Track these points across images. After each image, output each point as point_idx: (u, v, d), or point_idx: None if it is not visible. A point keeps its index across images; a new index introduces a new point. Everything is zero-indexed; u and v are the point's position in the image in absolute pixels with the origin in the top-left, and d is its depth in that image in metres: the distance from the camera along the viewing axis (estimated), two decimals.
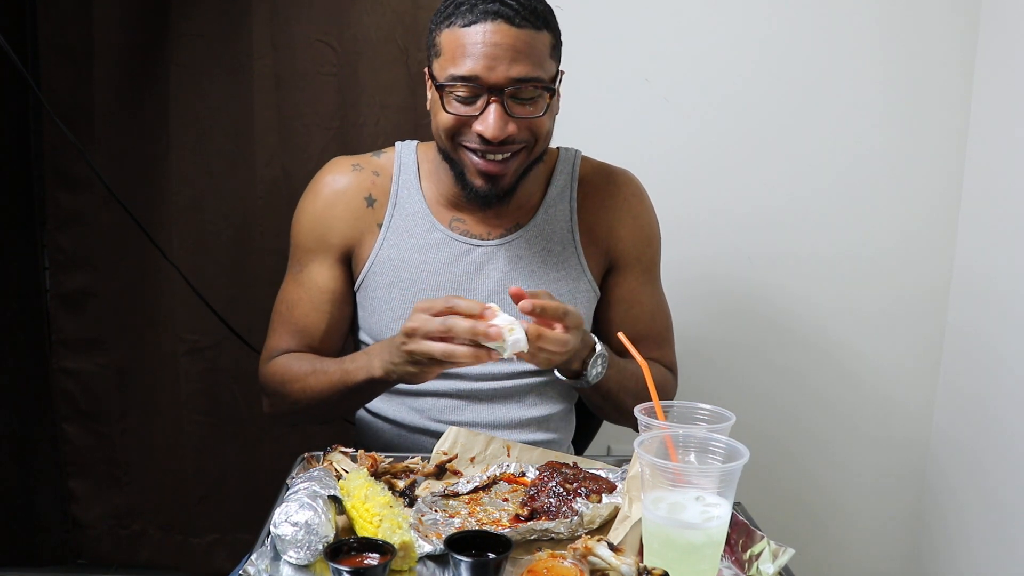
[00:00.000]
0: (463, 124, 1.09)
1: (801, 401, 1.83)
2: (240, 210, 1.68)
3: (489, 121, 1.06)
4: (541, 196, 1.23)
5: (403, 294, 1.19)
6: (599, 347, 1.12)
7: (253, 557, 0.82)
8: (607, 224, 1.25)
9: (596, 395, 1.17)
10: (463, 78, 1.05)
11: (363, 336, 1.25)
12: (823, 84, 1.71)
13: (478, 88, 1.06)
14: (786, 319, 1.79)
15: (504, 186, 1.13)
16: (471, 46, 1.04)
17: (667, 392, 1.27)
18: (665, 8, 1.68)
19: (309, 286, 1.22)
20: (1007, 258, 1.60)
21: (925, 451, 1.85)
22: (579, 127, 1.69)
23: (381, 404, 1.24)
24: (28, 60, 1.66)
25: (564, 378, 1.15)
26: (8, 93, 1.68)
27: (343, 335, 1.26)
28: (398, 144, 1.26)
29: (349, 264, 1.23)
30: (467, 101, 1.07)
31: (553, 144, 1.31)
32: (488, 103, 1.06)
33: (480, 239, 1.20)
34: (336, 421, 1.66)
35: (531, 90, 1.07)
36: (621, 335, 1.04)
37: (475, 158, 1.10)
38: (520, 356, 1.00)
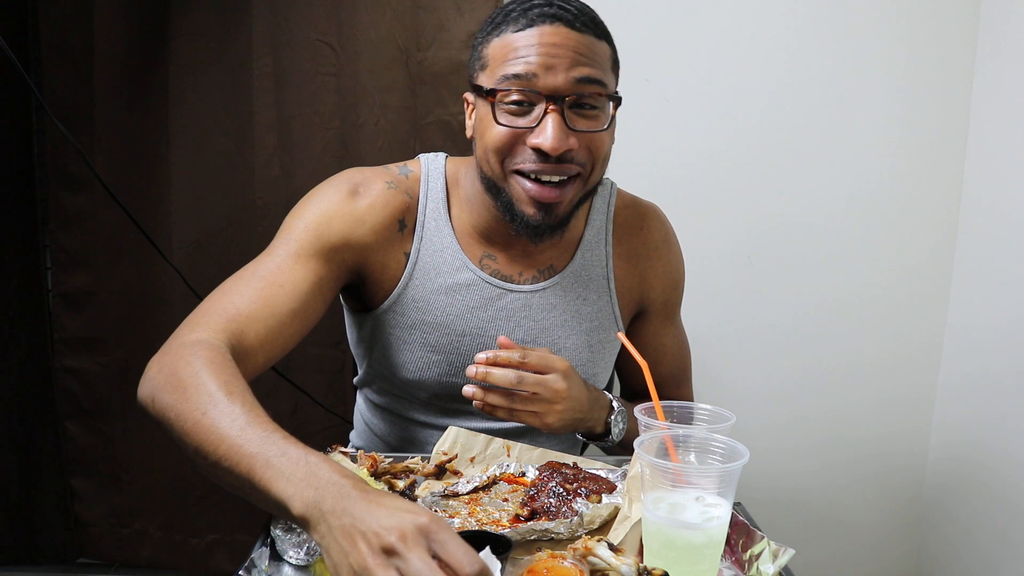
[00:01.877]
0: (516, 141, 0.98)
1: (801, 401, 1.83)
2: (240, 210, 1.68)
3: (548, 133, 0.95)
4: (578, 236, 1.16)
5: (424, 337, 1.10)
6: (616, 404, 1.11)
7: (253, 557, 0.82)
8: (640, 273, 1.20)
9: (618, 448, 1.16)
10: (517, 76, 0.95)
11: (372, 361, 1.17)
12: (824, 83, 1.71)
13: (534, 94, 0.96)
14: (787, 320, 1.79)
15: (559, 215, 1.02)
16: (525, 48, 0.95)
17: None
18: (666, 8, 1.68)
19: (277, 273, 0.99)
20: (1007, 243, 1.61)
21: (925, 451, 1.85)
22: None
23: (381, 425, 1.22)
24: (30, 61, 1.66)
25: (587, 440, 1.15)
26: (10, 94, 1.68)
27: (279, 343, 0.97)
28: (424, 160, 1.14)
29: (349, 283, 1.10)
30: (521, 111, 0.97)
31: None
32: (545, 113, 0.95)
33: (512, 282, 1.12)
34: (336, 423, 1.66)
35: (595, 97, 0.97)
36: (621, 335, 1.04)
37: (527, 184, 0.99)
38: (528, 421, 1.01)
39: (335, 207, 1.05)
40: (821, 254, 1.77)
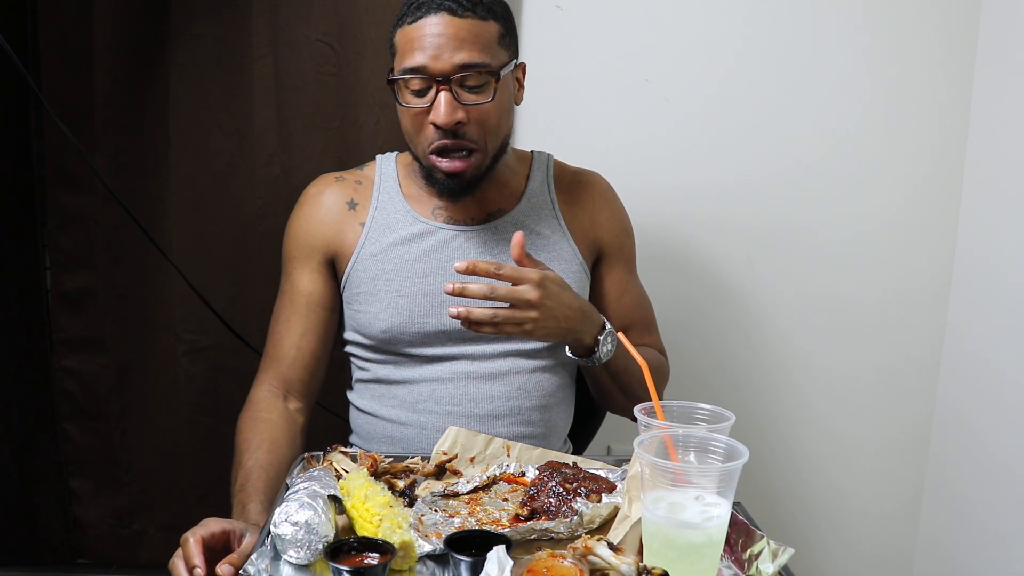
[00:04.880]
0: (421, 122, 1.13)
1: (801, 400, 1.83)
2: (240, 210, 1.68)
3: (440, 110, 1.10)
4: (522, 188, 1.27)
5: (388, 284, 1.21)
6: (608, 325, 1.16)
7: (253, 557, 0.82)
8: (588, 216, 1.29)
9: (606, 375, 1.20)
10: (412, 69, 1.11)
11: (350, 335, 1.27)
12: (825, 83, 1.71)
13: (427, 79, 1.10)
14: (786, 319, 1.80)
15: (468, 179, 1.17)
16: (418, 39, 1.10)
17: (664, 373, 1.33)
18: (665, 8, 1.68)
19: (291, 292, 1.26)
20: (1009, 255, 1.60)
21: (925, 451, 1.85)
22: (579, 127, 1.70)
23: (372, 403, 1.25)
24: (29, 61, 1.66)
25: (575, 357, 1.18)
26: (9, 93, 1.68)
27: (321, 347, 1.26)
28: (379, 156, 1.32)
29: (333, 272, 1.26)
30: (419, 94, 1.13)
31: (546, 147, 1.32)
32: (438, 92, 1.10)
33: (464, 224, 1.23)
34: (337, 422, 1.66)
35: (477, 76, 1.11)
36: (621, 335, 1.07)
37: (436, 160, 1.15)
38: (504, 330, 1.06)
39: (292, 224, 1.28)
40: (822, 254, 1.77)
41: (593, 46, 1.68)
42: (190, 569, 0.90)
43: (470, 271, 1.03)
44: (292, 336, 1.24)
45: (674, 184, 1.73)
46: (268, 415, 1.20)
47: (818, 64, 1.70)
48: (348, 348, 1.30)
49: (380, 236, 1.23)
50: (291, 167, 1.66)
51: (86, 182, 1.68)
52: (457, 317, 1.05)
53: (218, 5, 1.61)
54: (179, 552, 0.93)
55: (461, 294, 1.04)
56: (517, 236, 1.08)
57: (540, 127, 1.69)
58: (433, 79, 1.10)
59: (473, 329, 1.06)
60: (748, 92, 1.71)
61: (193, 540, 0.92)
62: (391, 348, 1.22)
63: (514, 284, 1.05)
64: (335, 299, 1.27)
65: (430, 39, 1.09)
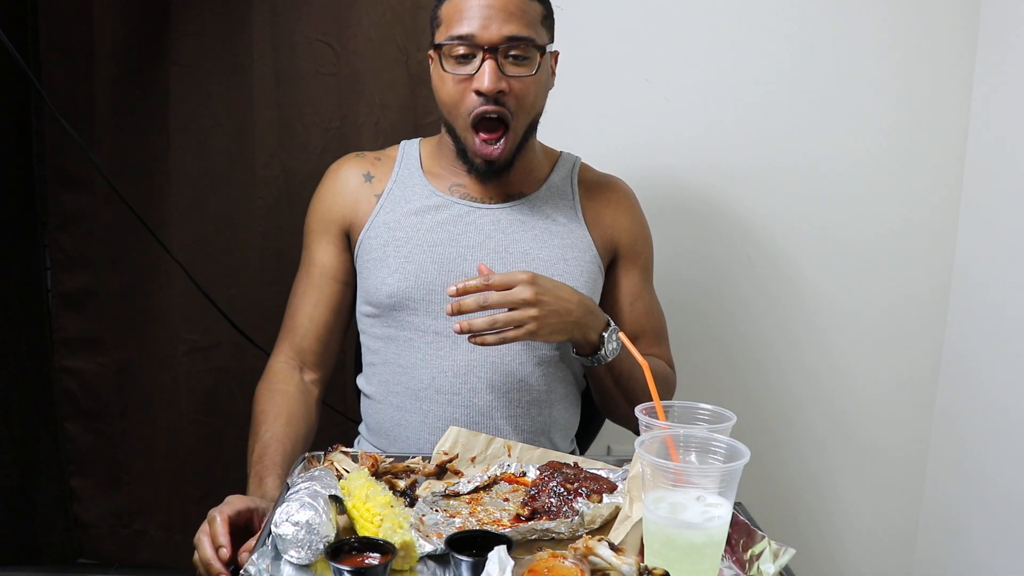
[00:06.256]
0: (464, 89, 1.15)
1: (802, 401, 1.83)
2: (240, 210, 1.68)
3: (485, 77, 1.12)
4: (545, 175, 1.29)
5: (397, 251, 1.22)
6: (612, 322, 1.17)
7: (254, 557, 0.82)
8: (609, 216, 1.30)
9: (610, 377, 1.19)
10: (460, 37, 1.13)
11: (361, 307, 1.28)
12: (825, 84, 1.71)
13: (474, 46, 1.13)
14: (787, 319, 1.80)
15: (502, 161, 1.19)
16: (468, 9, 1.13)
17: (669, 385, 1.32)
18: (665, 8, 1.68)
19: (308, 265, 1.29)
20: (1008, 260, 1.60)
21: (925, 451, 1.85)
22: (580, 127, 1.70)
23: (377, 389, 1.26)
24: (29, 61, 1.66)
25: (580, 356, 1.17)
26: (10, 93, 1.68)
27: (334, 318, 1.28)
28: (403, 141, 1.34)
29: (348, 246, 1.28)
30: (464, 60, 1.14)
31: (553, 147, 1.33)
32: (483, 60, 1.13)
33: (481, 202, 1.25)
34: (338, 420, 1.67)
35: (523, 48, 1.14)
36: (621, 335, 1.07)
37: (477, 141, 1.17)
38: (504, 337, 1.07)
39: (313, 200, 1.31)
40: (822, 255, 1.77)
41: (593, 46, 1.68)
42: (216, 548, 0.91)
43: (460, 293, 1.05)
44: (306, 307, 1.26)
45: (674, 184, 1.73)
46: (285, 387, 1.22)
47: (818, 66, 1.70)
48: (360, 325, 1.30)
49: (395, 205, 1.25)
50: (291, 167, 1.66)
51: (86, 182, 1.68)
52: (461, 332, 1.07)
53: (218, 5, 1.61)
54: (204, 528, 0.94)
55: (459, 311, 1.06)
56: (480, 268, 1.10)
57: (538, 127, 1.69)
58: (480, 48, 1.13)
59: (479, 342, 1.07)
60: (748, 93, 1.71)
61: (220, 518, 0.93)
62: (396, 318, 1.22)
63: (508, 289, 1.07)
64: (349, 273, 1.28)
65: (479, 9, 1.12)
